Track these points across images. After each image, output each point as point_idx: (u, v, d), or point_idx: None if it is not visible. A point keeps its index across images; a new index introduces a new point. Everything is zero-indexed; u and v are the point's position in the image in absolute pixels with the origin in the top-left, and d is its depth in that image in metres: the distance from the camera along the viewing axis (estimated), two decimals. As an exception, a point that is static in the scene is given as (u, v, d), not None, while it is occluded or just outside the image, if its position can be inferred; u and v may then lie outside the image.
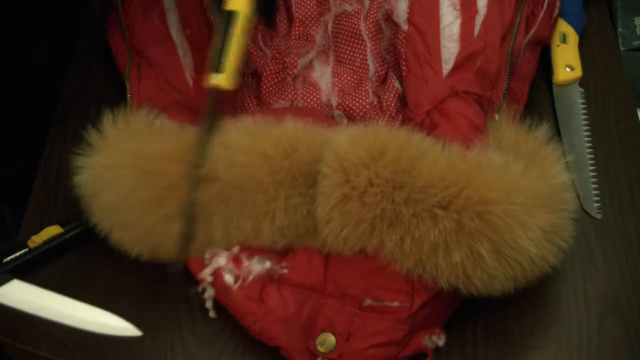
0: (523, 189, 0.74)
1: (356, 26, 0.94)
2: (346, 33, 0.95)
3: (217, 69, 0.73)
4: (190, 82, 0.88)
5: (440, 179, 0.74)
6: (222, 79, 0.73)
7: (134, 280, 0.83)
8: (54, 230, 0.83)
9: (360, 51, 0.94)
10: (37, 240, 0.83)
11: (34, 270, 0.83)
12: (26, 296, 0.74)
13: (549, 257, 0.75)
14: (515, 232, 0.73)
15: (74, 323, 0.76)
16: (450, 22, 0.87)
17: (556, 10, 0.96)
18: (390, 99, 0.90)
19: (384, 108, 0.89)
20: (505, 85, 0.86)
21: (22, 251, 0.83)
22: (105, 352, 0.79)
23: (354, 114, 0.90)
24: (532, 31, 0.92)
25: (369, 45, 0.94)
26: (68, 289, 0.82)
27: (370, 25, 0.94)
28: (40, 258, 0.83)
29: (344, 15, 0.96)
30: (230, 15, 0.74)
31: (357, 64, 0.94)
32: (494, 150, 0.79)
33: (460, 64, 0.85)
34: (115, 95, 0.96)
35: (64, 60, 1.00)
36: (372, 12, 0.95)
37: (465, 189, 0.74)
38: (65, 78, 0.98)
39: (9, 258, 0.82)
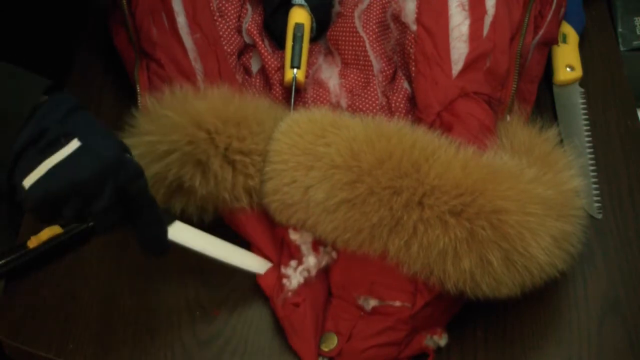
0: (537, 197, 0.75)
1: (351, 25, 0.94)
2: (344, 34, 0.95)
3: (297, 65, 0.90)
4: (202, 87, 0.87)
5: (453, 186, 0.74)
6: (299, 73, 0.91)
7: (134, 280, 0.83)
8: (54, 230, 0.83)
9: (360, 48, 0.94)
10: (36, 240, 0.83)
11: (34, 270, 0.83)
12: (187, 236, 0.77)
13: (558, 263, 0.75)
14: (527, 241, 0.73)
15: (227, 261, 0.80)
16: (459, 22, 0.87)
17: (562, 10, 0.96)
18: (399, 99, 0.90)
19: (393, 109, 0.89)
20: (515, 86, 0.86)
21: (22, 251, 0.82)
22: (104, 353, 0.79)
23: (364, 115, 0.90)
24: (541, 32, 0.92)
25: (367, 40, 0.94)
26: (68, 289, 0.83)
27: (371, 23, 0.94)
28: (40, 258, 0.83)
29: (338, 18, 0.96)
30: (299, 26, 0.92)
31: (361, 62, 0.94)
32: (507, 152, 0.80)
33: (470, 64, 0.85)
34: (115, 96, 0.96)
35: (65, 61, 1.00)
36: (372, 10, 0.95)
37: (479, 197, 0.74)
38: (66, 78, 0.98)
39: (8, 258, 0.82)
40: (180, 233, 0.77)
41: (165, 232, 0.74)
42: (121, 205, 0.68)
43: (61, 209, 0.66)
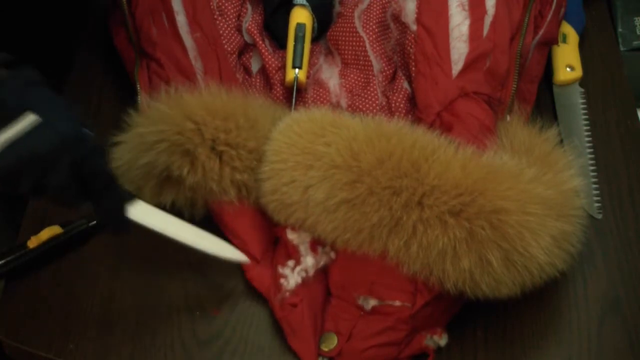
0: (536, 197, 0.75)
1: (351, 25, 0.95)
2: (344, 34, 0.95)
3: (299, 65, 0.91)
4: (202, 85, 0.87)
5: (453, 186, 0.74)
6: (300, 74, 0.91)
7: (134, 280, 0.83)
8: (54, 230, 0.83)
9: (360, 48, 0.94)
10: (36, 240, 0.83)
11: (34, 270, 0.83)
12: (148, 216, 0.76)
13: (558, 263, 0.75)
14: (526, 241, 0.73)
15: (189, 243, 0.78)
16: (459, 22, 0.87)
17: (562, 10, 0.96)
18: (399, 99, 0.90)
19: (393, 109, 0.89)
20: (515, 86, 0.86)
21: (22, 251, 0.82)
22: (104, 353, 0.79)
23: (364, 115, 0.90)
24: (541, 32, 0.92)
25: (367, 40, 0.94)
26: (68, 289, 0.83)
27: (371, 23, 0.94)
28: (40, 258, 0.83)
29: (338, 18, 0.96)
30: (301, 26, 0.92)
31: (361, 62, 0.94)
32: (507, 152, 0.80)
33: (470, 64, 0.85)
34: (115, 96, 0.96)
35: (65, 61, 1.00)
36: (372, 10, 0.95)
37: (479, 197, 0.74)
38: (66, 78, 0.98)
39: (8, 258, 0.82)
40: (142, 213, 0.75)
41: (124, 210, 0.73)
42: (79, 181, 0.67)
43: (18, 183, 0.65)
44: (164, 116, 0.81)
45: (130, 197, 0.75)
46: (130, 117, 0.83)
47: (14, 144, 0.64)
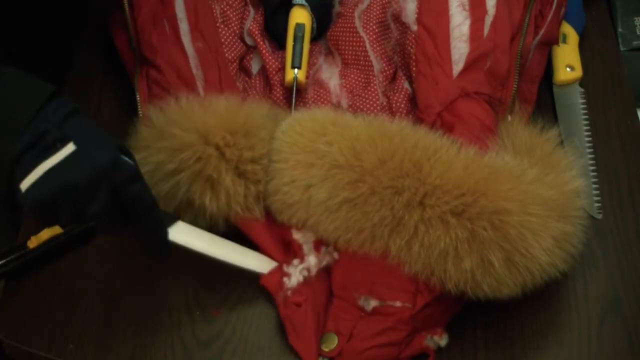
0: (538, 198, 0.75)
1: (352, 25, 0.95)
2: (344, 34, 0.95)
3: (298, 65, 0.91)
4: (202, 94, 0.87)
5: (455, 186, 0.74)
6: (300, 74, 0.90)
7: (134, 280, 0.83)
8: (54, 230, 0.83)
9: (360, 48, 0.94)
10: (36, 240, 0.83)
11: (34, 270, 0.83)
12: (189, 237, 0.78)
13: (559, 263, 0.76)
14: (528, 242, 0.73)
15: (230, 261, 0.80)
16: (459, 22, 0.87)
17: (563, 10, 0.96)
18: (400, 99, 0.90)
19: (394, 109, 0.89)
20: (516, 86, 0.86)
21: (22, 251, 0.82)
22: (104, 353, 0.79)
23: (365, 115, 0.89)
24: (541, 32, 0.92)
25: (367, 40, 0.94)
26: (68, 289, 0.82)
27: (372, 23, 0.94)
28: (40, 258, 0.83)
29: (338, 18, 0.96)
30: (300, 26, 0.92)
31: (361, 62, 0.94)
32: (509, 152, 0.80)
33: (471, 64, 0.85)
34: (115, 96, 0.96)
35: (65, 61, 1.00)
36: (372, 10, 0.95)
37: (480, 198, 0.74)
38: (66, 78, 0.98)
39: (8, 258, 0.82)
40: (182, 234, 0.77)
41: (166, 234, 0.74)
42: (118, 208, 0.68)
43: (58, 211, 0.66)
44: (182, 142, 0.79)
45: (171, 220, 0.76)
46: (137, 132, 0.82)
47: (51, 174, 0.65)
